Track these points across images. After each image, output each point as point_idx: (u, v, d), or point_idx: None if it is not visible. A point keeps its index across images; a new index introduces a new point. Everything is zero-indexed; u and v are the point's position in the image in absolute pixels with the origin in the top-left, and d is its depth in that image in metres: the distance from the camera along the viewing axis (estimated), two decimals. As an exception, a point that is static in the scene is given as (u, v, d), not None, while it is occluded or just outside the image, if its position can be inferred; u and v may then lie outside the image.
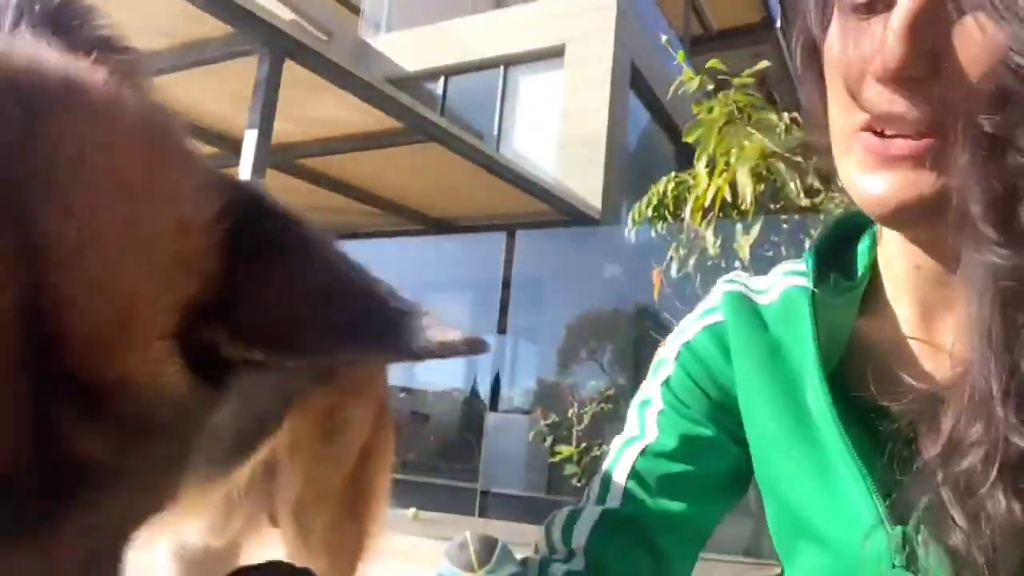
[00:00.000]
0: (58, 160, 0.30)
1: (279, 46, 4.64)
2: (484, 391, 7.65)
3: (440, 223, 8.31)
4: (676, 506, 0.65)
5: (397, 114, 5.72)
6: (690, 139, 3.59)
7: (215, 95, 5.24)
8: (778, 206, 3.58)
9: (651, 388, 0.72)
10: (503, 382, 7.29)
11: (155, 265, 0.32)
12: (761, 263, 3.91)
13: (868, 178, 0.52)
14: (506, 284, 6.15)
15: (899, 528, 0.52)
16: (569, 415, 4.49)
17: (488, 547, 2.74)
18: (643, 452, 0.67)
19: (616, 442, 0.71)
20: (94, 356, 0.30)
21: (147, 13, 4.03)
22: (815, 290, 0.62)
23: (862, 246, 0.66)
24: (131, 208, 0.31)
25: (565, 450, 4.44)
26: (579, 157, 7.97)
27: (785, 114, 3.49)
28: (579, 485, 4.29)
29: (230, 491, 0.93)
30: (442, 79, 9.04)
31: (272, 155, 4.90)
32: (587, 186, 7.83)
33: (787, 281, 0.69)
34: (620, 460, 0.68)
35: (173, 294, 0.32)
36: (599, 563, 0.63)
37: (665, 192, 3.99)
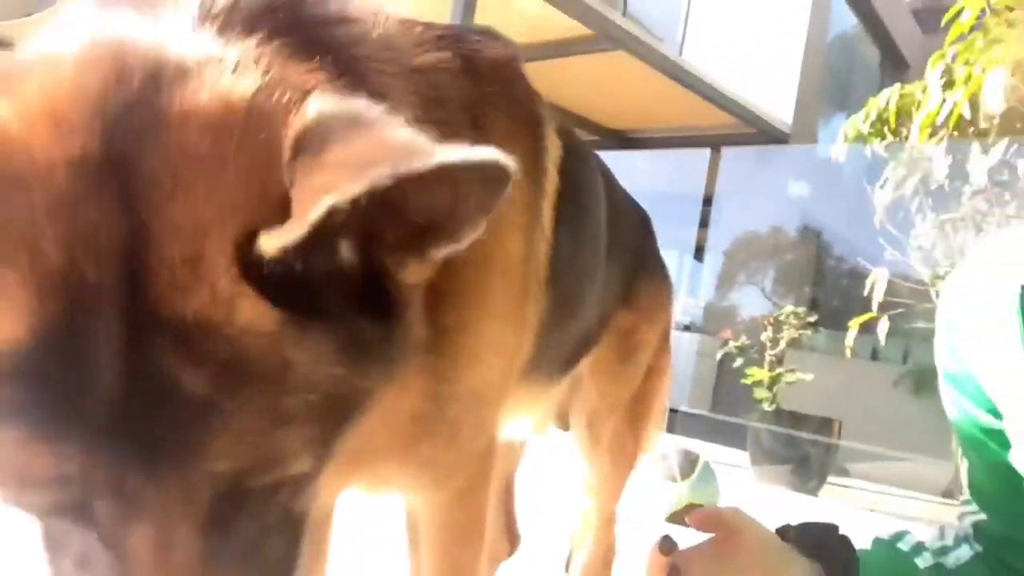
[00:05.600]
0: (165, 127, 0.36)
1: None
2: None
3: (617, 135, 8.11)
4: None
5: (578, 15, 5.53)
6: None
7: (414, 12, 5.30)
8: (1025, 125, 3.15)
9: None
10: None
11: (225, 208, 0.35)
12: (997, 190, 3.50)
13: None
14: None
15: None
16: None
17: (690, 461, 2.76)
18: None
19: None
20: (170, 290, 0.34)
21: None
22: None
23: None
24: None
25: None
26: (768, 62, 7.39)
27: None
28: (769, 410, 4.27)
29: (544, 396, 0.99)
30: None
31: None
32: (777, 96, 7.29)
33: None
34: None
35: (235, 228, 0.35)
36: None
37: (887, 105, 3.63)
